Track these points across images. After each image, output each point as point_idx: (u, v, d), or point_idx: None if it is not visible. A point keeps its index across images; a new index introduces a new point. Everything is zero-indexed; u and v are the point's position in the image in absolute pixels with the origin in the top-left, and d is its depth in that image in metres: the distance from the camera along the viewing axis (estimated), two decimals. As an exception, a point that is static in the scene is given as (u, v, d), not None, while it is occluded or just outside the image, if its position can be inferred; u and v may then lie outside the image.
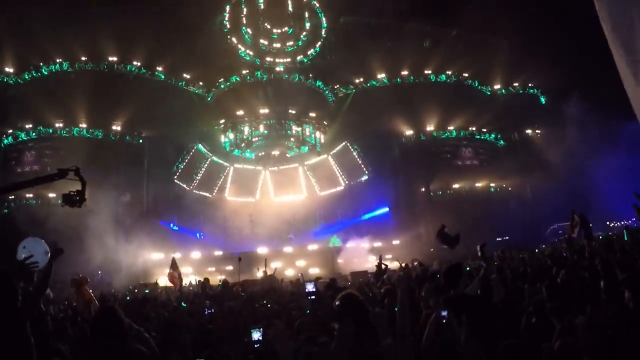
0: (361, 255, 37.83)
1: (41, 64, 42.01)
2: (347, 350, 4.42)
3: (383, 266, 15.50)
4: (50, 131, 40.89)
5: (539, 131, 49.87)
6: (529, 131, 50.41)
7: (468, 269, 15.26)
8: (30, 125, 40.75)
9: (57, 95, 40.26)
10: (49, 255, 6.30)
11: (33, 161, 40.41)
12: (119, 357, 4.52)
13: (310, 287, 8.62)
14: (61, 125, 40.92)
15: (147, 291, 20.92)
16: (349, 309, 4.69)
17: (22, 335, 4.48)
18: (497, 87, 50.97)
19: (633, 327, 4.47)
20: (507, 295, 7.07)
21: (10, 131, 40.76)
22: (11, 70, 41.52)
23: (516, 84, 51.19)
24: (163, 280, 28.38)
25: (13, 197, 37.99)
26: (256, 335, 5.50)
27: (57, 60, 42.10)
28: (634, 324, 4.59)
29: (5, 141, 40.61)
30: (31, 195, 38.21)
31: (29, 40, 39.87)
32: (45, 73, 42.07)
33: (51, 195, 37.03)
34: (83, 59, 42.55)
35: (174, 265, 19.83)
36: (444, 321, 5.32)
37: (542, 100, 51.14)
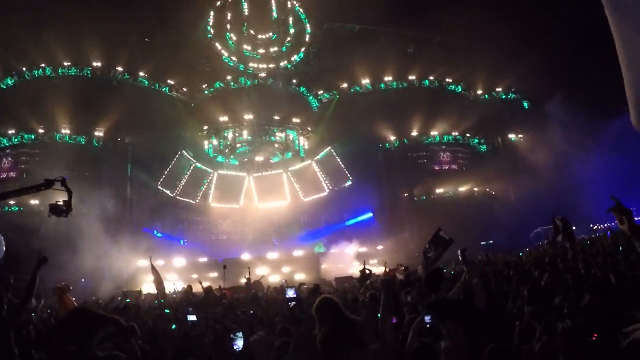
0: (346, 260, 37.89)
1: (24, 69, 41.69)
2: (320, 354, 4.46)
3: (367, 271, 15.52)
4: (33, 137, 40.55)
5: (521, 135, 50.23)
6: (512, 135, 50.76)
7: (453, 272, 15.41)
8: (13, 131, 40.39)
9: (40, 100, 39.99)
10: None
11: (10, 168, 40.06)
12: None
13: (290, 293, 8.62)
14: (43, 130, 40.57)
15: (127, 300, 20.69)
16: (324, 313, 4.73)
17: (6, 344, 4.44)
18: (479, 92, 51.33)
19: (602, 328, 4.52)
20: (491, 299, 7.14)
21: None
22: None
23: (499, 89, 51.57)
24: (147, 288, 28.20)
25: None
26: (238, 341, 5.50)
27: (41, 65, 41.80)
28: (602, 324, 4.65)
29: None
30: (13, 202, 37.79)
31: (11, 45, 39.59)
32: (28, 78, 41.76)
33: (33, 202, 36.70)
34: (66, 64, 42.28)
35: (152, 268, 19.64)
36: (428, 326, 5.36)
37: (525, 104, 51.58)
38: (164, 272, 25.91)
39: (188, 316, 9.07)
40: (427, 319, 5.39)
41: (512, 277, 10.46)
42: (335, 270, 35.76)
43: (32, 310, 9.88)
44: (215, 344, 7.59)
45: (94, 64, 42.97)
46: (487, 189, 47.89)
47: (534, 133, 47.06)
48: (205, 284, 18.27)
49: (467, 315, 5.57)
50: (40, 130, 40.61)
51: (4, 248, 6.48)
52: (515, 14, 42.68)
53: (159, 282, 18.53)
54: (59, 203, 7.45)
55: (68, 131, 41.05)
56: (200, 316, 10.98)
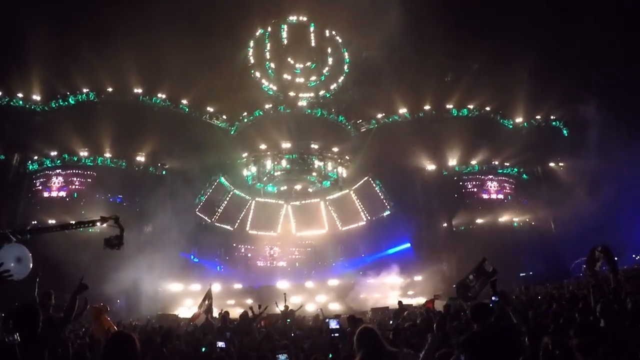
0: (382, 291, 37.45)
1: (68, 93, 42.84)
2: None
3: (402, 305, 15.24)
4: (75, 159, 41.45)
5: (562, 164, 49.23)
6: (552, 164, 49.81)
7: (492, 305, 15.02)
8: (56, 153, 41.38)
9: (83, 124, 40.99)
10: (21, 263, 6.23)
11: (60, 187, 40.93)
12: None
13: (333, 324, 8.48)
14: (86, 154, 41.45)
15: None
16: (364, 342, 4.66)
17: None
18: (519, 120, 50.57)
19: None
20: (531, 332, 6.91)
21: (36, 157, 41.41)
22: (38, 98, 42.37)
23: (538, 117, 50.75)
24: (182, 312, 28.28)
25: (36, 222, 38.42)
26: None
27: (84, 90, 42.89)
28: None
29: (31, 167, 41.23)
30: (54, 221, 38.52)
31: (56, 69, 40.79)
32: (72, 102, 42.88)
33: (73, 222, 37.26)
34: (109, 90, 43.30)
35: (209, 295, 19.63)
36: None
37: (565, 132, 50.55)
38: (198, 297, 25.92)
39: (218, 343, 8.98)
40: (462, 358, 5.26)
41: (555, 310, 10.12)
42: (372, 300, 35.35)
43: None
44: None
45: (136, 90, 43.90)
46: (527, 219, 46.90)
47: (575, 161, 46.05)
48: (240, 310, 18.17)
49: (501, 348, 5.39)
50: (83, 154, 41.46)
51: (31, 265, 6.56)
52: (551, 41, 42.41)
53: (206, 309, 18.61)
54: (112, 237, 8.01)
55: (110, 155, 41.81)
56: (235, 342, 10.89)
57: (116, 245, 7.95)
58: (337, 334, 8.31)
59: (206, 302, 19.19)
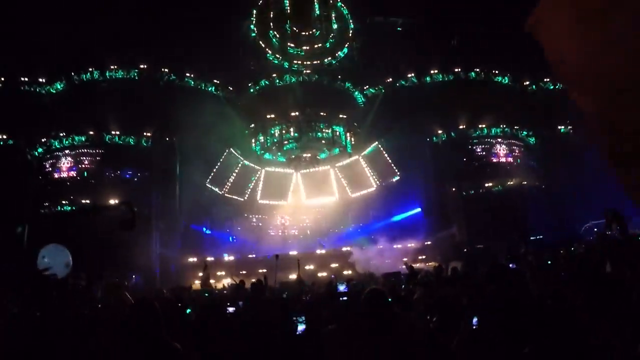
0: (394, 256, 37.73)
1: (72, 73, 42.79)
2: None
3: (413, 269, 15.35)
4: (83, 139, 41.54)
5: (571, 127, 48.82)
6: (561, 127, 49.44)
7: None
8: (63, 134, 41.44)
9: (89, 103, 40.95)
10: (69, 267, 6.47)
11: (70, 168, 41.14)
12: (154, 350, 4.50)
13: (342, 288, 8.61)
14: (93, 133, 41.56)
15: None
16: (373, 304, 4.75)
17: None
18: (527, 83, 50.14)
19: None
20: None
21: (44, 140, 41.55)
22: (43, 79, 42.33)
23: (547, 79, 50.26)
24: (197, 284, 28.68)
25: (48, 204, 38.82)
26: (300, 325, 5.69)
27: (88, 69, 42.82)
28: None
29: (40, 149, 41.42)
30: (66, 202, 38.92)
31: (59, 49, 40.65)
32: (77, 82, 42.85)
33: (85, 201, 37.87)
34: (113, 67, 43.21)
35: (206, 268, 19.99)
36: (474, 327, 5.30)
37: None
38: (214, 268, 26.30)
39: (228, 308, 9.17)
40: (475, 321, 5.33)
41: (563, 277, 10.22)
42: (384, 266, 35.62)
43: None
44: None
45: (141, 66, 43.78)
46: (537, 183, 46.72)
47: (584, 124, 45.52)
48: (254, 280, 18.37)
49: (516, 312, 5.47)
50: (91, 133, 41.59)
51: (70, 259, 6.84)
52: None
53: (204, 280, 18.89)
54: (125, 220, 8.74)
55: (117, 132, 41.91)
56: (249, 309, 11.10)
57: (130, 227, 8.66)
58: (345, 298, 8.46)
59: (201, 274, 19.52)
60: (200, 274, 21.11)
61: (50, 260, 6.34)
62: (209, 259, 36.28)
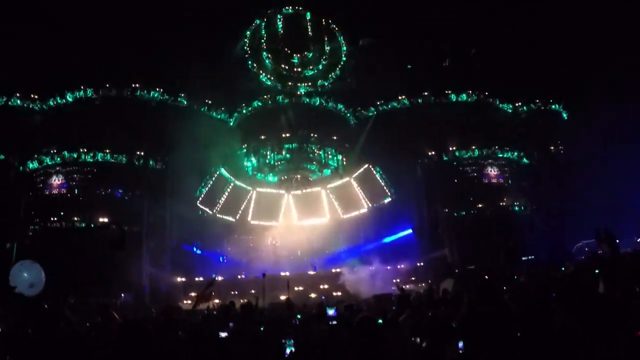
0: (385, 277, 37.57)
1: (66, 91, 42.78)
2: None
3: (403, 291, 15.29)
4: (75, 156, 41.45)
5: (562, 148, 49.06)
6: (552, 148, 49.68)
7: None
8: (55, 150, 41.36)
9: (82, 121, 40.95)
10: (34, 288, 6.48)
11: (60, 185, 41.00)
12: None
13: (331, 312, 8.58)
14: (85, 150, 41.48)
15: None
16: (362, 331, 4.77)
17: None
18: (518, 104, 50.48)
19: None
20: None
21: (36, 156, 41.44)
22: (36, 96, 42.28)
23: (538, 101, 50.65)
24: (186, 304, 28.43)
25: (38, 220, 38.66)
26: (288, 349, 5.67)
27: (82, 87, 42.84)
28: None
29: (31, 165, 41.27)
30: (55, 219, 38.76)
31: (53, 67, 40.71)
32: (70, 100, 42.83)
33: (75, 218, 37.78)
34: (107, 86, 43.25)
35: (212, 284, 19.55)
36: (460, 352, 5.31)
37: (565, 115, 50.38)
38: (202, 288, 26.09)
39: (220, 333, 9.03)
40: (461, 345, 5.33)
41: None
42: (375, 287, 35.45)
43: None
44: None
45: (134, 85, 43.84)
46: (528, 203, 46.83)
47: (575, 145, 45.85)
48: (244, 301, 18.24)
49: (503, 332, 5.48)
50: (83, 150, 41.50)
51: (42, 285, 6.88)
52: (550, 26, 42.27)
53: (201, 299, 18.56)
54: (115, 240, 8.81)
55: (109, 150, 41.84)
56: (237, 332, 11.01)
57: (119, 247, 8.61)
58: (335, 322, 8.44)
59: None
60: (194, 294, 20.96)
61: (15, 279, 6.35)
62: (200, 278, 36.10)
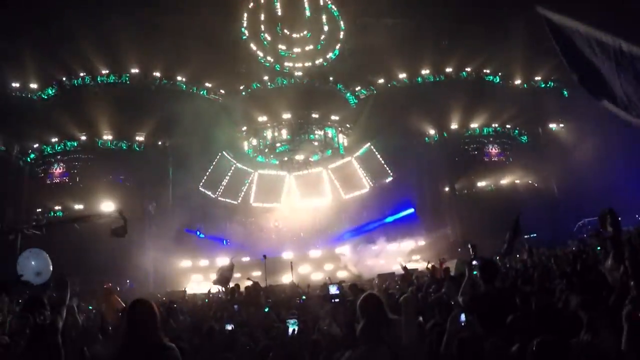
0: (388, 256, 37.71)
1: (64, 78, 42.67)
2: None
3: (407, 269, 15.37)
4: (76, 144, 41.51)
5: (562, 125, 48.94)
6: (552, 125, 49.55)
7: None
8: (56, 139, 41.40)
9: (81, 108, 40.88)
10: (41, 276, 6.51)
11: (62, 173, 41.10)
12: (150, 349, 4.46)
13: (333, 290, 8.62)
14: (85, 137, 41.48)
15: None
16: (367, 309, 4.76)
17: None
18: (518, 81, 50.33)
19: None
20: (536, 292, 7.02)
21: (36, 145, 41.44)
22: (35, 86, 42.17)
23: (537, 78, 50.48)
24: (190, 288, 28.61)
25: (40, 210, 38.78)
26: (291, 327, 5.72)
27: (80, 75, 42.72)
28: None
29: (32, 155, 41.29)
30: (59, 208, 38.88)
31: (51, 55, 40.55)
32: (68, 87, 42.74)
33: (78, 206, 37.89)
34: (105, 72, 43.13)
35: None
36: (462, 324, 5.31)
37: (565, 92, 50.15)
38: (207, 272, 26.24)
39: (226, 325, 9.03)
40: (462, 317, 5.33)
41: (556, 271, 10.23)
42: (378, 266, 35.59)
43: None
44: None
45: (132, 70, 43.77)
46: (530, 181, 46.85)
47: (575, 122, 45.74)
48: (249, 282, 18.29)
49: (504, 309, 5.49)
50: (83, 138, 41.51)
51: (50, 273, 6.94)
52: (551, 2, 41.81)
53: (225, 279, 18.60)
54: (117, 227, 9.17)
55: (110, 137, 41.83)
56: (243, 315, 11.08)
57: (122, 234, 9.16)
58: (337, 300, 8.50)
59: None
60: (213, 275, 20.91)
61: (22, 268, 6.38)
62: (204, 262, 36.27)
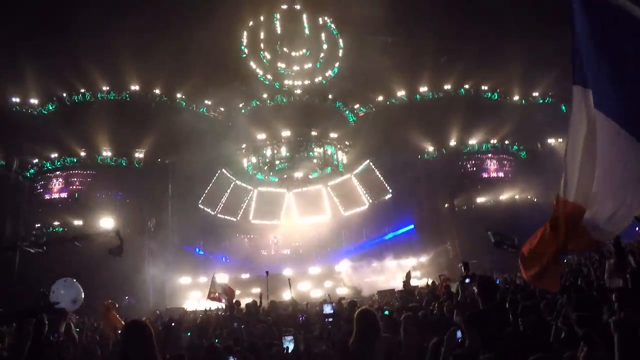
0: (388, 273, 37.65)
1: (64, 94, 42.84)
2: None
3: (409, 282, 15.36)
4: (75, 160, 41.54)
5: (561, 140, 48.92)
6: (551, 140, 49.60)
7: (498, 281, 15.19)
8: (55, 155, 41.42)
9: (81, 124, 41.01)
10: (76, 303, 6.61)
11: (61, 189, 41.10)
12: None
13: (328, 309, 8.63)
14: (85, 154, 41.54)
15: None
16: (361, 323, 4.80)
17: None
18: (516, 97, 50.52)
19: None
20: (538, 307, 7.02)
21: (36, 160, 41.48)
22: (35, 101, 42.32)
23: (535, 94, 50.69)
24: (190, 304, 28.54)
25: (39, 225, 38.78)
26: (288, 344, 5.75)
27: (80, 91, 42.91)
28: None
29: (31, 170, 41.32)
30: (58, 223, 38.82)
31: (52, 71, 40.78)
32: (69, 104, 42.89)
33: (76, 222, 37.88)
34: (105, 88, 43.32)
35: (213, 284, 20.01)
36: (459, 341, 5.33)
37: (563, 108, 50.27)
38: (207, 289, 26.12)
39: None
40: (459, 334, 5.34)
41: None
42: (378, 283, 35.53)
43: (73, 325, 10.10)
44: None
45: (132, 87, 43.97)
46: (529, 197, 46.81)
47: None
48: (248, 300, 18.26)
49: (501, 326, 5.50)
50: (83, 154, 41.57)
51: (83, 295, 7.13)
52: (547, 18, 42.19)
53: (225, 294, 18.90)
54: (114, 248, 9.24)
55: (109, 153, 41.90)
56: (243, 332, 11.07)
57: (117, 254, 9.13)
58: (330, 319, 8.51)
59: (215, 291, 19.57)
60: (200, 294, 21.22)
61: (57, 296, 6.47)
62: (203, 279, 36.14)
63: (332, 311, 8.28)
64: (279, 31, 47.94)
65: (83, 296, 7.53)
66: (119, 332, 8.10)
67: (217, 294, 19.78)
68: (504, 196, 46.57)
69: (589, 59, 4.33)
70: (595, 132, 4.45)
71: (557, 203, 4.97)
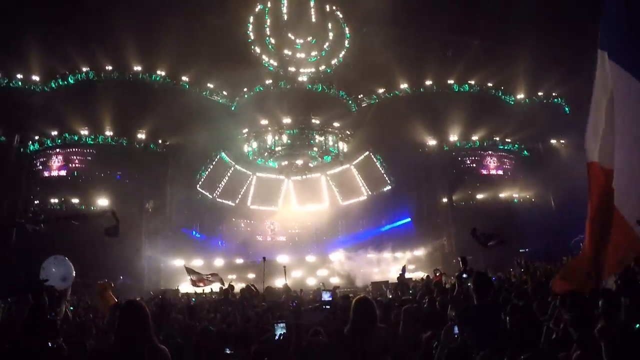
0: (383, 265, 37.72)
1: (67, 72, 42.70)
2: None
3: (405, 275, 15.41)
4: (76, 138, 41.42)
5: (563, 141, 48.85)
6: (553, 141, 49.51)
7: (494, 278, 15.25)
8: (56, 132, 41.30)
9: (83, 103, 40.92)
10: (65, 280, 6.61)
11: (60, 167, 41.02)
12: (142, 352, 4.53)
13: (326, 297, 8.65)
14: (86, 132, 41.45)
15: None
16: (359, 311, 4.82)
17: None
18: (520, 96, 50.40)
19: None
20: (529, 307, 7.06)
21: (37, 137, 41.39)
22: (37, 78, 42.22)
23: (540, 93, 50.57)
24: (184, 287, 28.59)
25: (37, 202, 38.79)
26: (279, 330, 5.78)
27: (83, 69, 42.77)
28: None
29: (32, 147, 41.24)
30: (56, 201, 38.82)
31: (55, 49, 40.63)
32: (72, 82, 42.76)
33: (74, 200, 37.90)
34: (109, 68, 43.17)
35: (189, 272, 20.33)
36: (456, 336, 5.35)
37: (566, 109, 50.26)
38: (202, 271, 26.25)
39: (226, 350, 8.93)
40: (456, 329, 5.37)
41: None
42: (373, 274, 35.60)
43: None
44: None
45: (136, 68, 43.82)
46: (527, 195, 46.84)
47: (576, 138, 45.66)
48: (242, 285, 18.34)
49: (496, 322, 5.53)
50: (83, 132, 41.48)
51: (72, 279, 7.09)
52: (555, 17, 42.04)
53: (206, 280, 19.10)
54: (110, 227, 9.31)
55: (111, 133, 41.82)
56: (237, 316, 11.11)
57: (114, 234, 9.18)
58: (328, 306, 8.51)
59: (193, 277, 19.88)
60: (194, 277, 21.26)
61: (47, 273, 6.48)
62: (198, 262, 36.13)
63: (330, 298, 8.30)
64: (285, 17, 47.67)
65: (74, 274, 7.53)
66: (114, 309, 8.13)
67: (196, 280, 20.18)
68: (503, 194, 46.57)
69: (619, 27, 4.37)
70: (619, 98, 4.49)
71: (590, 169, 5.01)
